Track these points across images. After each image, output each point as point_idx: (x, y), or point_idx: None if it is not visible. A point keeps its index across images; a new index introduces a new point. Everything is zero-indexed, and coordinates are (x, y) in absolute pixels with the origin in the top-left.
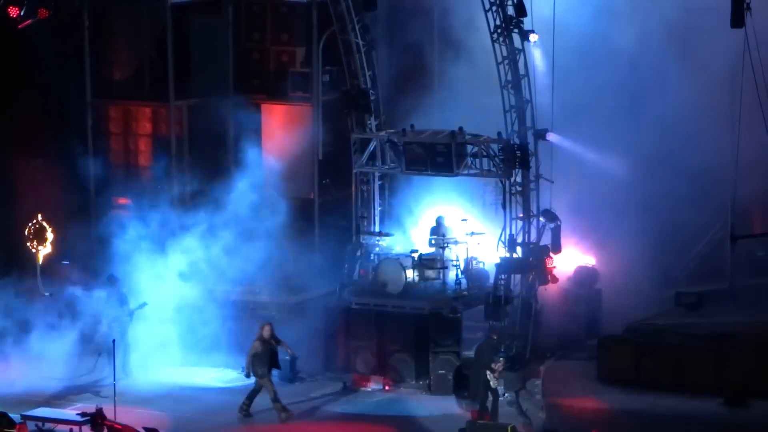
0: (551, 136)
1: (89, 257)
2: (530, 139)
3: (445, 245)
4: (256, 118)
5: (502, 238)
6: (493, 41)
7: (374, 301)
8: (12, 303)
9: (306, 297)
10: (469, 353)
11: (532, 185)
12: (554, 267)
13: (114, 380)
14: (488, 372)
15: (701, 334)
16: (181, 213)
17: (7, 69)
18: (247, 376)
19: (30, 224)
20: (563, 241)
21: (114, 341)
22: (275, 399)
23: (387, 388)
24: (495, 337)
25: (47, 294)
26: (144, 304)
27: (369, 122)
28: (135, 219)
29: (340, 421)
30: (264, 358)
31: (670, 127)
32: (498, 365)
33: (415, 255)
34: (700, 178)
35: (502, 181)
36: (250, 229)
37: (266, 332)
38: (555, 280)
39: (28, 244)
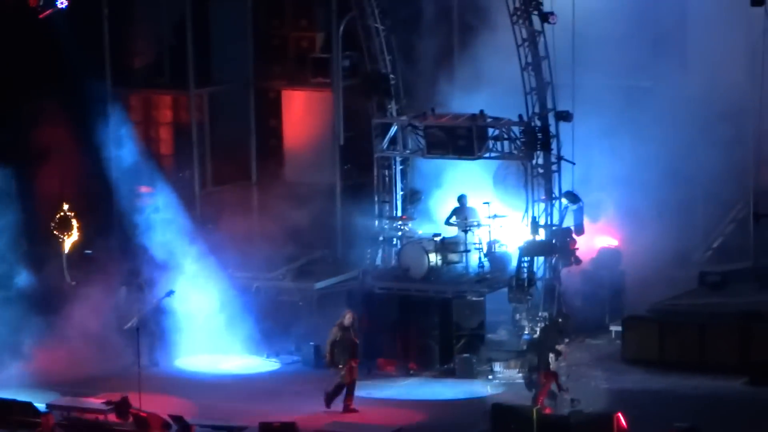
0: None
1: (112, 246)
2: (551, 120)
3: (468, 228)
4: (277, 105)
5: (525, 221)
6: (512, 23)
7: (397, 286)
8: (40, 293)
9: (329, 283)
10: (493, 336)
11: (554, 167)
12: (577, 249)
13: (138, 368)
14: (552, 354)
15: (725, 314)
16: (204, 200)
17: (28, 59)
18: (330, 365)
19: (55, 214)
20: (586, 223)
21: (138, 329)
22: (349, 391)
23: (411, 372)
24: (560, 320)
25: (73, 283)
26: (171, 292)
27: (390, 107)
28: (157, 207)
29: (365, 406)
30: (343, 345)
31: (692, 107)
32: (562, 348)
33: (438, 239)
34: (722, 157)
35: (523, 164)
36: (272, 216)
37: (347, 320)
38: (578, 261)
39: (54, 234)
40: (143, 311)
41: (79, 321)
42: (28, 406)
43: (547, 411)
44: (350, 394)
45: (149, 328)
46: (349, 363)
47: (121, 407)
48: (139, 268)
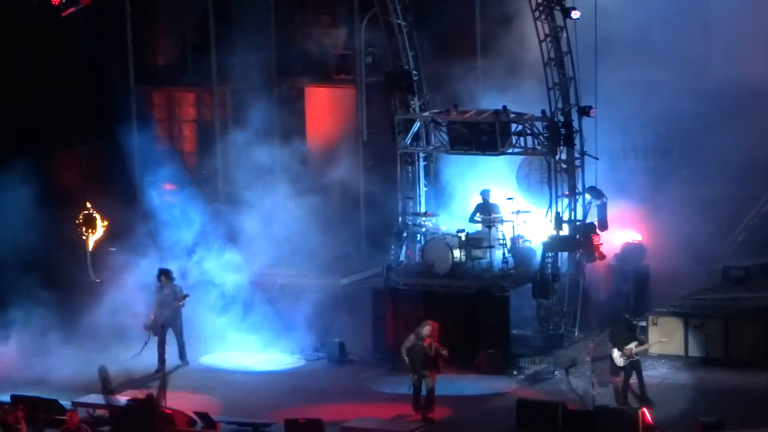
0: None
1: (137, 243)
2: (574, 116)
3: (492, 224)
4: (300, 102)
5: (548, 216)
6: (534, 19)
7: (421, 282)
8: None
9: (353, 279)
10: (518, 332)
11: (578, 162)
12: (601, 244)
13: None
14: (616, 350)
15: (750, 308)
16: (228, 198)
17: (51, 58)
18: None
19: (80, 212)
20: (609, 218)
21: (163, 326)
22: (428, 396)
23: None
24: (631, 319)
25: (98, 280)
26: (186, 295)
27: (412, 103)
28: (182, 204)
29: (389, 402)
30: (418, 354)
31: (715, 96)
32: (631, 346)
33: (462, 235)
34: (745, 151)
35: (547, 159)
36: (297, 212)
37: (424, 330)
38: (602, 257)
39: (79, 231)
40: (163, 314)
41: (103, 318)
42: (54, 403)
43: None
44: (428, 402)
45: (177, 329)
46: (424, 372)
47: (147, 405)
48: (169, 271)
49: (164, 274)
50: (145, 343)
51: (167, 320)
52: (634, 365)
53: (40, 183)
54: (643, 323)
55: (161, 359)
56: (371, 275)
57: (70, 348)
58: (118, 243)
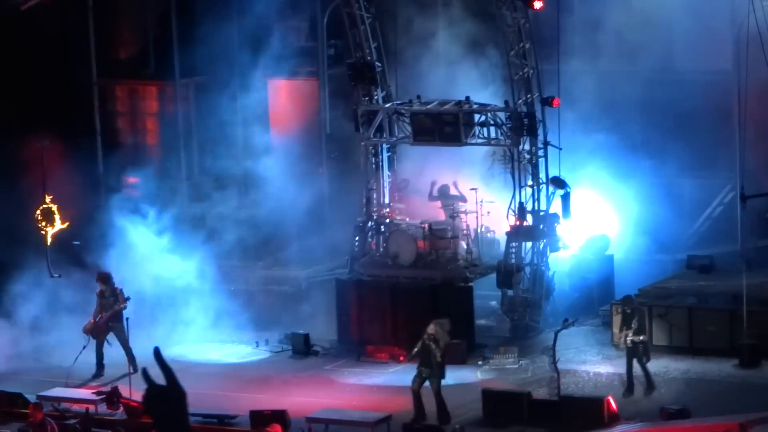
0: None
1: (99, 238)
2: (537, 106)
3: (455, 215)
4: (263, 94)
5: (512, 207)
6: (497, 9)
7: (386, 273)
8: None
9: (318, 270)
10: (483, 322)
11: (541, 153)
12: (565, 234)
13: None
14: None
15: (714, 297)
16: (191, 190)
17: (12, 51)
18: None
19: (38, 206)
20: (573, 208)
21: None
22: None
23: (401, 359)
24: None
25: (57, 276)
26: (127, 298)
27: (376, 94)
28: (144, 197)
29: (354, 393)
30: (424, 353)
31: (678, 86)
32: (625, 333)
33: (426, 225)
34: (708, 141)
35: (510, 150)
36: (260, 204)
37: (429, 329)
38: (566, 247)
39: (38, 225)
40: (102, 317)
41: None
42: (18, 396)
43: None
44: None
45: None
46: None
47: (112, 397)
48: (108, 274)
49: (99, 278)
50: (84, 347)
51: (108, 324)
52: (629, 352)
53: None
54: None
55: (99, 363)
56: (335, 266)
57: (27, 343)
58: (80, 237)
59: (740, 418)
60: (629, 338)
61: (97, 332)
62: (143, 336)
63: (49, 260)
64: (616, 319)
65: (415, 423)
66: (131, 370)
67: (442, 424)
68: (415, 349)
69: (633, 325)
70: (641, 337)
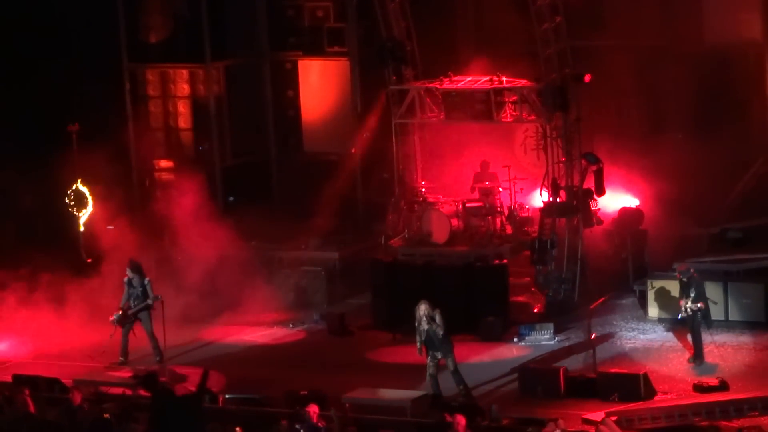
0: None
1: (132, 222)
2: (569, 82)
3: (489, 192)
4: (293, 75)
5: (545, 183)
6: None
7: (420, 252)
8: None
9: (351, 251)
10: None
11: (573, 128)
12: (598, 209)
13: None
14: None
15: (748, 270)
16: (225, 174)
17: (43, 37)
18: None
19: (70, 190)
20: (606, 184)
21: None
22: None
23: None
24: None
25: (90, 260)
26: (157, 298)
27: (406, 73)
28: (177, 181)
29: (390, 372)
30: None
31: (709, 60)
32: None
33: (459, 203)
34: (740, 113)
35: (542, 126)
36: (292, 186)
37: (422, 310)
38: (600, 222)
39: (70, 209)
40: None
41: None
42: (55, 381)
43: None
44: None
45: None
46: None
47: (149, 381)
48: (138, 264)
49: (131, 266)
50: (111, 336)
51: (135, 314)
52: (689, 320)
53: (33, 161)
54: (642, 287)
55: (124, 352)
56: (369, 246)
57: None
58: (114, 222)
59: None
60: (689, 306)
61: (123, 321)
62: (176, 322)
63: (82, 245)
64: (652, 294)
65: (434, 401)
66: (157, 359)
67: (467, 400)
68: (419, 339)
69: (691, 293)
70: (699, 305)
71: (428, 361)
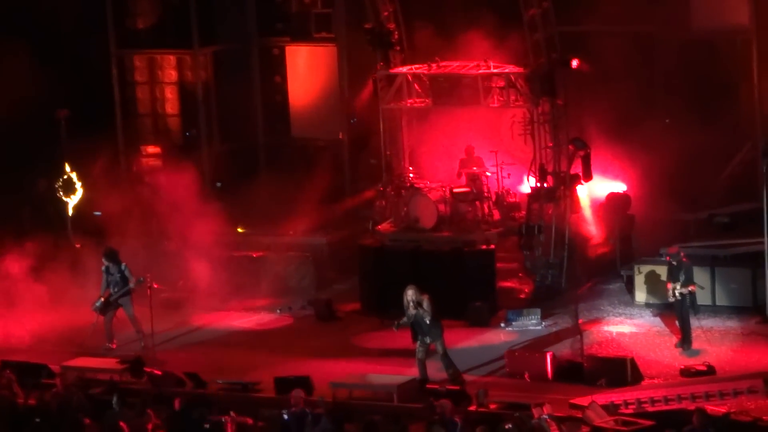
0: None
1: (119, 207)
2: (557, 67)
3: (476, 178)
4: (281, 61)
5: (532, 168)
6: None
7: (407, 237)
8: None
9: (339, 236)
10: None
11: (560, 113)
12: (586, 194)
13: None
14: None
15: (735, 255)
16: (212, 159)
17: (30, 22)
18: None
19: (59, 176)
20: (593, 168)
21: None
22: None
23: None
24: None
25: (78, 246)
26: (141, 280)
27: (394, 59)
28: (165, 167)
29: (377, 358)
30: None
31: (696, 45)
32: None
33: (447, 188)
34: (727, 97)
35: (530, 111)
36: (279, 172)
37: (410, 295)
38: (587, 207)
39: (59, 196)
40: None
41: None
42: (43, 367)
43: None
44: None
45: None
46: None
47: (136, 366)
48: (114, 251)
49: (105, 254)
50: (94, 324)
51: (117, 301)
52: (678, 304)
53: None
54: (630, 272)
55: (109, 338)
56: (357, 232)
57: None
58: (102, 208)
59: (764, 375)
60: (677, 290)
61: (106, 309)
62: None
63: (70, 230)
64: (639, 279)
65: (421, 386)
66: (141, 345)
67: (456, 384)
68: (405, 321)
69: (680, 278)
70: (689, 288)
71: (417, 345)
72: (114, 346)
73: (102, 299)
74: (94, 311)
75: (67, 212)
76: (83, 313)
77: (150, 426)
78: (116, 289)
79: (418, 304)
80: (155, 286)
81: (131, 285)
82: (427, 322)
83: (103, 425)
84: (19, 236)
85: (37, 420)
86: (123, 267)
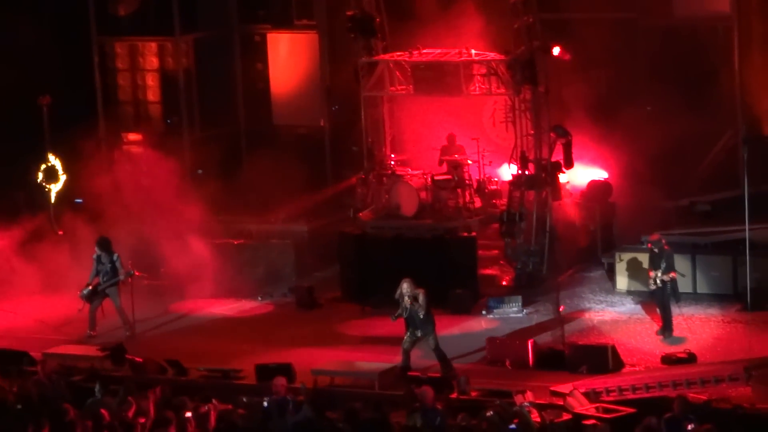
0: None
1: (101, 195)
2: (537, 55)
3: (457, 165)
4: (263, 48)
5: (514, 156)
6: None
7: (389, 225)
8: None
9: (320, 224)
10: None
11: (542, 101)
12: (567, 182)
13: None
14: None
15: (717, 243)
16: (193, 146)
17: (10, 8)
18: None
19: (41, 163)
20: (575, 156)
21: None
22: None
23: None
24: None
25: (60, 233)
26: (130, 273)
27: (375, 46)
28: (146, 153)
29: (359, 345)
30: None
31: (678, 32)
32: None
33: (428, 176)
34: (708, 85)
35: (511, 99)
36: (260, 159)
37: (405, 288)
38: (568, 195)
39: (41, 183)
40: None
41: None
42: (24, 355)
43: None
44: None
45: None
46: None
47: (117, 354)
48: (107, 241)
49: (98, 244)
50: (79, 311)
51: (104, 290)
52: (659, 292)
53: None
54: (611, 260)
55: (92, 326)
56: (338, 219)
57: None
58: (83, 195)
59: (745, 362)
60: (658, 278)
61: (93, 297)
62: (145, 296)
63: (53, 218)
64: (620, 266)
65: (402, 374)
66: (126, 333)
67: (448, 377)
68: (400, 313)
69: (662, 265)
70: (671, 275)
71: (407, 335)
72: (95, 333)
73: (90, 287)
74: (81, 299)
75: (50, 199)
76: (66, 300)
77: (131, 414)
78: (105, 279)
79: (414, 299)
80: (137, 273)
81: (120, 277)
82: (421, 316)
83: (84, 413)
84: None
85: (18, 407)
86: (115, 257)
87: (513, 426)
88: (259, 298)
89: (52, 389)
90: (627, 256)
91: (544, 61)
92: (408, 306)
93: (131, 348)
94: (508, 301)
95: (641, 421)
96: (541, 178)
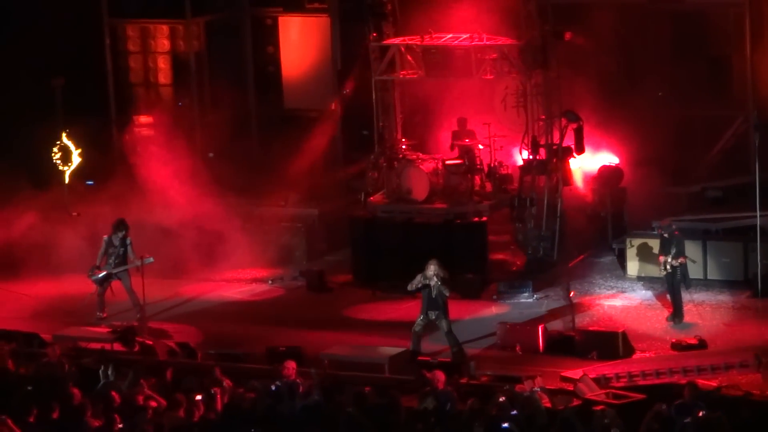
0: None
1: (112, 177)
2: (549, 39)
3: (468, 150)
4: (274, 31)
5: (525, 140)
6: None
7: (399, 208)
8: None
9: (331, 207)
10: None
11: (553, 86)
12: (578, 167)
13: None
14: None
15: (728, 229)
16: (204, 129)
17: None
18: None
19: (55, 145)
20: (586, 141)
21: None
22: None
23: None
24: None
25: (75, 214)
26: (149, 260)
27: (387, 30)
28: (157, 136)
29: (368, 330)
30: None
31: (689, 18)
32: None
33: (439, 160)
34: (720, 71)
35: (522, 83)
36: (271, 142)
37: (433, 269)
38: (579, 180)
39: (55, 164)
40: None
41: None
42: (34, 336)
43: None
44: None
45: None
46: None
47: (127, 336)
48: (125, 224)
49: (115, 225)
50: (92, 293)
51: (115, 273)
52: (669, 277)
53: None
54: (622, 246)
55: (101, 308)
56: (349, 203)
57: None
58: (94, 177)
59: (755, 349)
60: (669, 263)
61: (105, 280)
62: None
63: (67, 198)
64: (631, 252)
65: (412, 358)
66: (138, 316)
67: (460, 362)
68: (419, 287)
69: (672, 250)
70: (680, 260)
71: (419, 318)
72: (105, 315)
73: (103, 271)
74: (93, 282)
75: (64, 180)
76: (77, 282)
77: (141, 397)
78: (117, 261)
79: (443, 280)
80: (146, 256)
81: (138, 263)
82: (447, 295)
83: (94, 395)
84: (17, 204)
85: (29, 388)
86: (128, 241)
87: (514, 412)
88: (270, 282)
89: (62, 371)
90: (638, 241)
91: (556, 46)
92: (437, 286)
93: (142, 330)
94: (518, 286)
95: (651, 407)
96: (552, 163)
